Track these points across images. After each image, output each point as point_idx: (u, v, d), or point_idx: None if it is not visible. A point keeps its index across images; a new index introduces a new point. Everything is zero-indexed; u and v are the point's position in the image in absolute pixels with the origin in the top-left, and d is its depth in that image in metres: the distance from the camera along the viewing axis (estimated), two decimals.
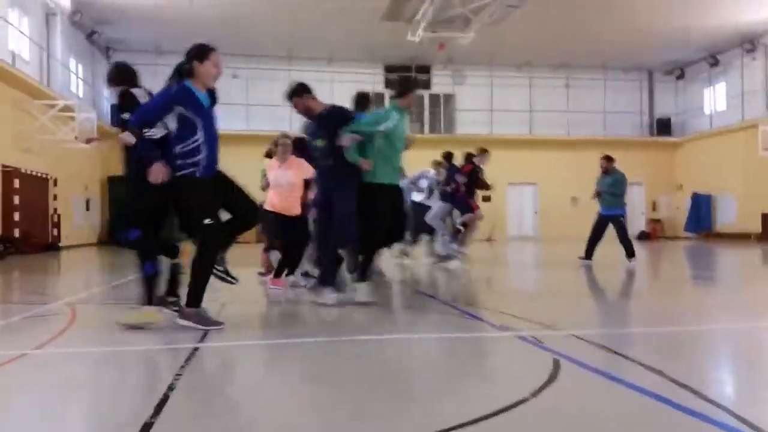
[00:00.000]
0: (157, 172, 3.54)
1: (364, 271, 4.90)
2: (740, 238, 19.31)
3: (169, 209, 3.87)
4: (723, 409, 2.09)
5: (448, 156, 9.18)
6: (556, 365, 2.72)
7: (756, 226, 19.40)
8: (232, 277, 3.95)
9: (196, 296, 3.62)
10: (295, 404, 2.31)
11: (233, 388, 2.57)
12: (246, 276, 5.30)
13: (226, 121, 23.32)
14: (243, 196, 3.94)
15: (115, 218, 3.93)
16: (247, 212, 3.97)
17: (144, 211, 3.83)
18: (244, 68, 22.51)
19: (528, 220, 22.14)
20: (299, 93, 4.98)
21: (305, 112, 5.01)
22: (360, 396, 2.41)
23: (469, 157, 9.02)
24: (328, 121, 4.84)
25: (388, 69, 24.51)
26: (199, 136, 3.62)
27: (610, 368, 2.72)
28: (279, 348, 3.35)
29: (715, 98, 22.76)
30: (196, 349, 3.16)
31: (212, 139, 3.69)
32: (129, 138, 3.55)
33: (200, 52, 3.68)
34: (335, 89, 23.45)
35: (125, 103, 3.83)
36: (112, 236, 3.89)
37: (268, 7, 17.54)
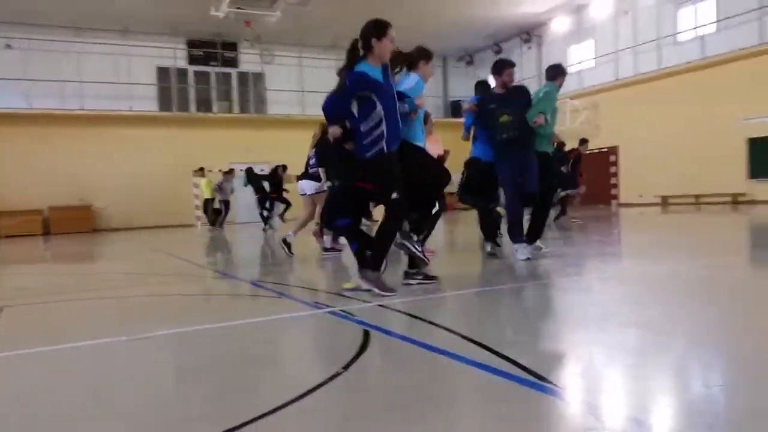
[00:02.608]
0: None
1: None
2: None
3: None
4: (510, 361, 2.35)
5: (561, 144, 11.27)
6: (366, 336, 2.87)
7: None
8: (425, 256, 4.38)
9: (376, 262, 4.04)
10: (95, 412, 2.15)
11: None
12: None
13: None
14: (429, 162, 4.48)
15: (328, 206, 4.64)
16: (436, 174, 4.48)
17: (352, 203, 4.33)
18: (21, 38, 19.80)
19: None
20: (501, 69, 5.94)
21: (504, 85, 5.94)
22: (168, 394, 2.32)
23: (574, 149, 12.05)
24: (521, 100, 5.84)
25: (192, 44, 23.26)
26: (379, 109, 3.89)
27: (414, 333, 2.95)
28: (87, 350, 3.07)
29: None
30: None
31: (391, 111, 3.95)
32: (337, 131, 4.11)
33: (379, 29, 3.89)
34: (132, 64, 21.67)
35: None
36: (324, 219, 4.71)
37: None
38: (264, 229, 14.95)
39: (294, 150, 22.87)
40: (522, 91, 5.99)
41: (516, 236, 5.77)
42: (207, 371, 2.52)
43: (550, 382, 2.06)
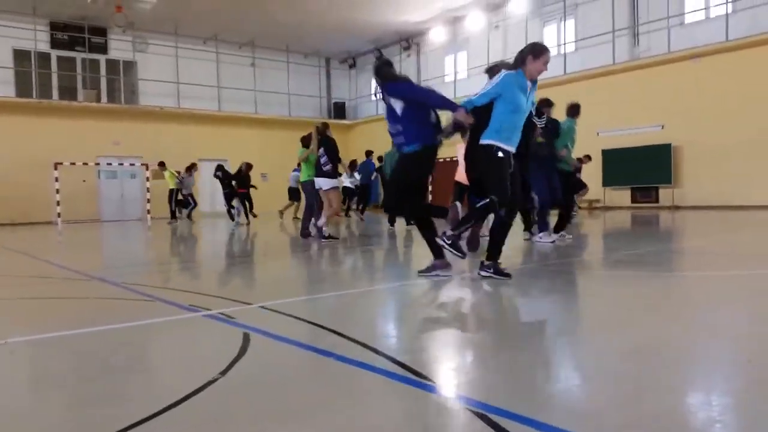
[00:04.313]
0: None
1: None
2: None
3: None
4: (387, 357, 2.41)
5: None
6: (246, 339, 2.79)
7: None
8: (462, 252, 4.52)
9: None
10: None
11: None
12: None
13: None
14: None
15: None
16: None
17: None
18: None
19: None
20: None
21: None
22: (20, 405, 2.11)
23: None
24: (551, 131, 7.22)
25: (55, 27, 21.41)
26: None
27: (295, 335, 2.91)
28: None
29: None
30: None
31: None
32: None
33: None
34: None
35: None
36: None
37: None
38: (235, 225, 15.10)
39: (166, 144, 21.88)
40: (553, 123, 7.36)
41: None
42: (65, 380, 2.32)
43: (426, 378, 2.12)
